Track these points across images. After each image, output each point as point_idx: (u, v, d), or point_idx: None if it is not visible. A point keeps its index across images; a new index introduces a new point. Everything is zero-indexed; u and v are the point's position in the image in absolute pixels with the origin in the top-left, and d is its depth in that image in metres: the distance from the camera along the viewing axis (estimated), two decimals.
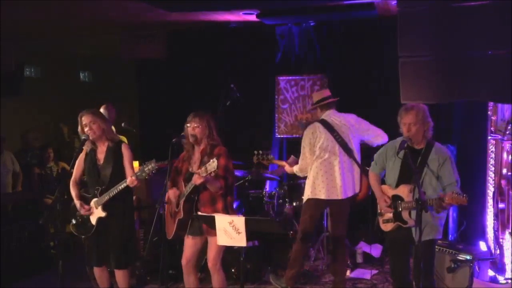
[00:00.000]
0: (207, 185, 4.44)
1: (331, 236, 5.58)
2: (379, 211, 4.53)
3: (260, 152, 5.85)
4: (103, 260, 4.82)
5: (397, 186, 4.40)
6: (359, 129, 5.39)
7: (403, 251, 4.46)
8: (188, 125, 4.57)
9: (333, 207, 5.35)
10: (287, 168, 5.67)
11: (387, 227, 4.46)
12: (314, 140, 5.28)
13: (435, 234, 4.34)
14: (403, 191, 4.32)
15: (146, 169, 4.47)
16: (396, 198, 4.37)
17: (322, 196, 5.21)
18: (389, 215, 4.42)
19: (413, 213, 4.18)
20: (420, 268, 4.11)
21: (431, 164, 4.28)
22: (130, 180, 4.52)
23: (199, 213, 4.41)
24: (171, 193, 4.61)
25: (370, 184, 5.22)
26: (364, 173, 5.31)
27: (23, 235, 6.79)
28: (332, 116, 5.38)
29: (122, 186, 4.58)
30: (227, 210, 4.55)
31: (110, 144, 4.77)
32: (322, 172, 5.23)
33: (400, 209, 4.32)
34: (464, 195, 4.03)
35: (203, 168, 4.28)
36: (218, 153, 4.50)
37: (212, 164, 4.19)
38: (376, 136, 5.37)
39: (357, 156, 5.33)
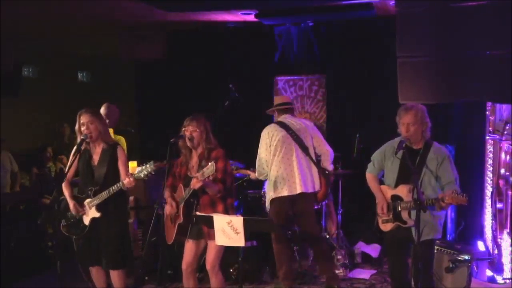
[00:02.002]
0: (206, 189, 4.44)
1: (303, 235, 5.61)
2: (377, 211, 4.53)
3: None
4: (97, 260, 4.81)
5: (396, 186, 4.40)
6: (313, 133, 5.49)
7: (402, 251, 4.46)
8: (185, 129, 4.56)
9: (296, 202, 5.37)
10: (252, 175, 5.83)
11: (386, 227, 4.47)
12: (270, 139, 5.38)
13: (434, 234, 4.34)
14: (402, 191, 4.33)
15: (144, 169, 4.46)
16: (395, 198, 4.37)
17: (285, 193, 5.29)
18: (388, 215, 4.42)
19: (413, 213, 4.19)
20: (418, 268, 4.11)
21: (430, 164, 4.29)
22: (127, 181, 4.49)
23: (197, 213, 4.41)
24: (168, 209, 4.63)
25: (328, 184, 5.42)
26: (322, 174, 5.41)
27: (21, 235, 6.78)
28: (288, 118, 5.53)
29: (118, 186, 4.56)
30: (228, 213, 4.54)
31: (105, 146, 4.76)
32: (282, 169, 5.31)
33: (399, 209, 4.33)
34: (464, 194, 4.04)
35: (200, 173, 4.29)
36: (216, 156, 4.51)
37: (210, 168, 4.21)
38: (322, 148, 5.47)
39: (313, 155, 5.42)
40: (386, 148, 4.56)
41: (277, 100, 5.79)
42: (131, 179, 4.48)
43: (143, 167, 4.48)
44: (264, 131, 5.48)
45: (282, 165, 5.32)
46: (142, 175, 4.48)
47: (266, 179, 5.55)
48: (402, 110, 4.38)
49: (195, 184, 4.33)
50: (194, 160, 4.64)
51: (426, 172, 4.29)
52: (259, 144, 5.48)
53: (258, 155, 5.48)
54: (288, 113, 5.59)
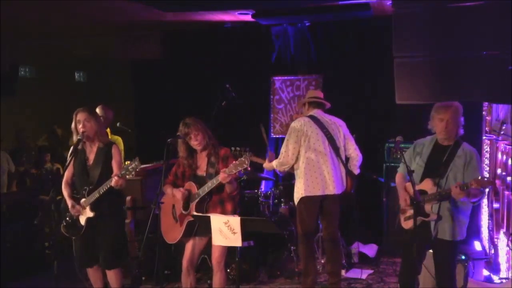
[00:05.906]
0: (226, 185, 4.44)
1: (325, 236, 5.50)
2: (400, 208, 4.47)
3: (238, 148, 5.62)
4: (94, 260, 4.82)
5: (421, 181, 4.34)
6: (347, 135, 5.36)
7: (416, 254, 4.19)
8: (189, 137, 4.54)
9: (327, 203, 5.24)
10: (265, 164, 5.60)
11: (408, 224, 4.37)
12: (302, 134, 5.17)
13: (454, 236, 4.25)
14: (427, 184, 4.27)
15: (130, 167, 4.46)
16: (420, 193, 4.28)
17: (318, 192, 5.13)
18: (411, 211, 4.26)
19: (435, 207, 4.17)
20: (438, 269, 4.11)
21: (458, 160, 4.25)
22: (114, 180, 4.50)
23: (194, 213, 4.41)
24: (179, 194, 4.60)
25: (353, 186, 5.30)
26: (349, 174, 5.31)
27: (18, 235, 6.77)
28: (321, 114, 5.34)
29: (108, 186, 4.55)
30: (235, 211, 4.60)
31: (100, 145, 4.76)
32: (315, 168, 5.14)
33: (423, 203, 4.25)
34: (491, 179, 3.98)
35: (231, 166, 4.28)
36: (225, 155, 4.56)
37: (245, 161, 4.20)
38: (353, 152, 5.33)
39: (343, 156, 5.29)
40: (415, 145, 4.53)
41: (311, 93, 5.58)
42: (117, 178, 4.48)
43: (128, 164, 4.48)
44: (296, 123, 5.23)
45: (316, 163, 5.14)
46: (127, 173, 4.47)
47: (281, 174, 5.37)
48: (441, 106, 4.34)
49: (225, 178, 4.33)
50: (201, 159, 4.65)
51: (452, 168, 4.24)
52: (288, 135, 5.23)
53: (285, 146, 5.22)
54: (320, 108, 5.39)
